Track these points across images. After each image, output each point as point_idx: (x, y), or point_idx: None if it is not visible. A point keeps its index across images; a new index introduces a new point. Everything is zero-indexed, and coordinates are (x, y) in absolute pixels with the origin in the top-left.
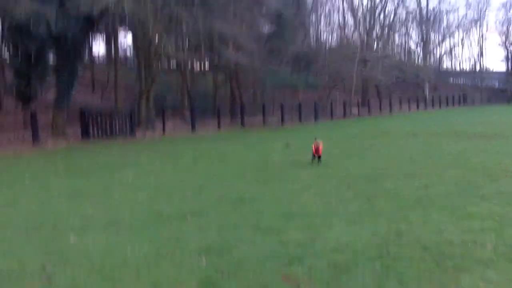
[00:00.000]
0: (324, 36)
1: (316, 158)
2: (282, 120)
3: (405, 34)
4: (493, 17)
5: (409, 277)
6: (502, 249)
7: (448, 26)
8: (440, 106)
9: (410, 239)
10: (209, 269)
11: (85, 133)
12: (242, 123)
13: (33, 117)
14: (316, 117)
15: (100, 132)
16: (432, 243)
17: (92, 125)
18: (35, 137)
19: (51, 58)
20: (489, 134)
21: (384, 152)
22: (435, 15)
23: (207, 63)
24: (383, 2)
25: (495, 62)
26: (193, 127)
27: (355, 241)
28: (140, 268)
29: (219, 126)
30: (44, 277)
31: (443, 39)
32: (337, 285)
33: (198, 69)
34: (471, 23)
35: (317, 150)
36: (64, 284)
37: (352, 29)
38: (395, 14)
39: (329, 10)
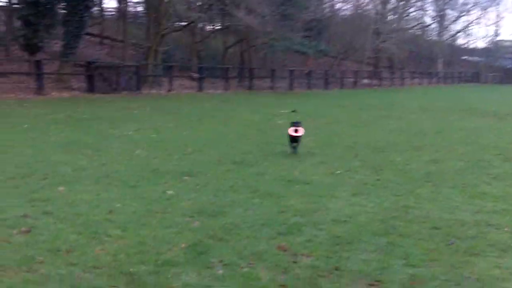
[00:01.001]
0: (338, 5)
1: (292, 145)
2: (291, 85)
3: (421, 8)
4: None
5: (416, 257)
6: None
7: (466, 3)
8: (452, 82)
9: (419, 216)
10: (200, 232)
11: (90, 86)
12: (250, 86)
13: (39, 66)
14: (325, 85)
15: (105, 86)
16: (443, 221)
17: (97, 78)
18: (39, 86)
19: (60, 8)
20: (501, 114)
21: (393, 124)
22: None
23: (218, 24)
24: None
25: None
26: (200, 86)
27: (359, 214)
28: (127, 225)
29: (226, 88)
30: (24, 228)
31: (460, 16)
32: (337, 260)
33: (209, 30)
34: (489, 2)
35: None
36: (43, 236)
37: None
38: None
39: None
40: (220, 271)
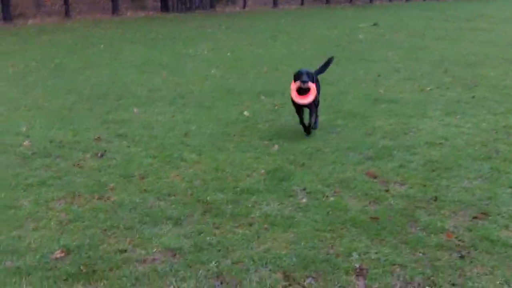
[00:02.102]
0: None
1: (301, 118)
2: None
3: None
4: None
5: None
6: None
7: None
8: None
9: None
10: (280, 157)
11: (164, 5)
12: (327, 0)
13: None
14: None
15: (179, 5)
16: None
17: None
18: (114, 6)
19: None
20: None
21: (482, 36)
22: None
23: None
24: None
25: None
26: (274, 2)
27: (456, 136)
28: (203, 149)
29: (302, 2)
30: (97, 151)
31: None
32: (435, 188)
33: None
34: None
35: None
36: (116, 160)
37: None
38: None
39: None
40: (304, 200)
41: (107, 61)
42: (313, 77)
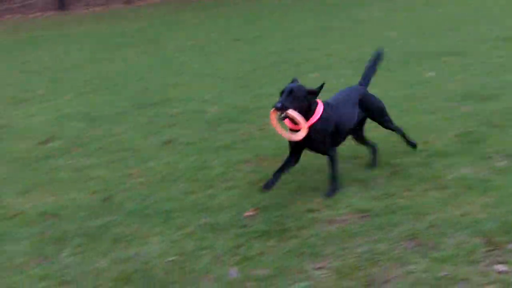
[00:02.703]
0: None
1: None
2: None
3: None
4: None
5: None
6: None
7: None
8: None
9: None
10: (471, 118)
11: None
12: None
13: None
14: None
15: None
16: None
17: None
18: None
19: None
20: None
21: None
22: None
23: None
24: None
25: None
26: None
27: None
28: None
29: None
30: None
31: None
32: None
33: None
34: None
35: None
36: None
37: None
38: None
39: None
40: (502, 163)
41: (281, 30)
42: (303, 98)
